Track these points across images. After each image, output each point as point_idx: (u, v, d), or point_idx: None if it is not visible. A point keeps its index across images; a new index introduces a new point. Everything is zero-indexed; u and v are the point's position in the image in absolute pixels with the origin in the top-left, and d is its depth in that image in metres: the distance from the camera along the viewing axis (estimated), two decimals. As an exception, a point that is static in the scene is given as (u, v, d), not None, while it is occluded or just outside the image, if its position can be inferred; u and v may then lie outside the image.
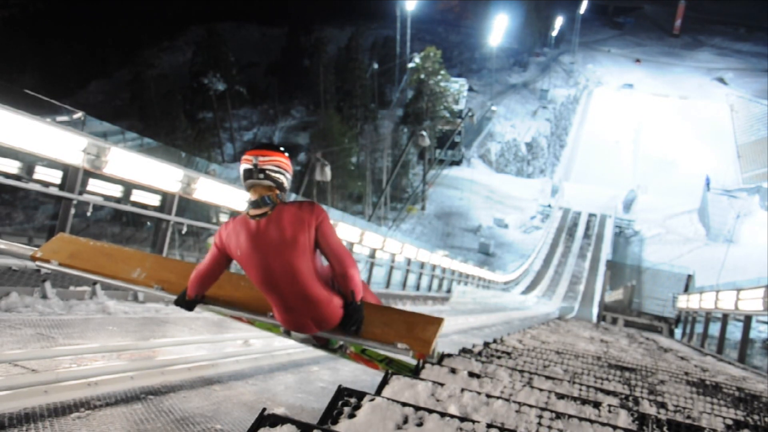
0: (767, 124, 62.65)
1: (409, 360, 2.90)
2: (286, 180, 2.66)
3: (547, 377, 3.61)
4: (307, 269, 2.56)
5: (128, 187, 7.91)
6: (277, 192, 2.63)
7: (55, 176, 5.81)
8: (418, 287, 16.50)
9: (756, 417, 3.64)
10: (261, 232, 2.54)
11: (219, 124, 52.19)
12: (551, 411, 2.36)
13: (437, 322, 2.77)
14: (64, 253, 3.27)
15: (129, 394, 2.56)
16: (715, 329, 17.33)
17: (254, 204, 2.58)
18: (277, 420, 1.77)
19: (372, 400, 2.08)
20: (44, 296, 4.50)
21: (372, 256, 13.01)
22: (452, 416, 2.00)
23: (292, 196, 11.01)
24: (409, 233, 45.12)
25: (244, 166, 2.61)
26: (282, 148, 2.69)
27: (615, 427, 2.24)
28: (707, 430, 2.55)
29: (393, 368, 3.10)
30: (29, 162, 6.30)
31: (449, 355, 3.87)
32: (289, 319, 2.70)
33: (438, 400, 2.42)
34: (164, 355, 3.39)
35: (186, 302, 2.86)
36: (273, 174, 2.59)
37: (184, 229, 7.16)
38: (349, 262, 2.62)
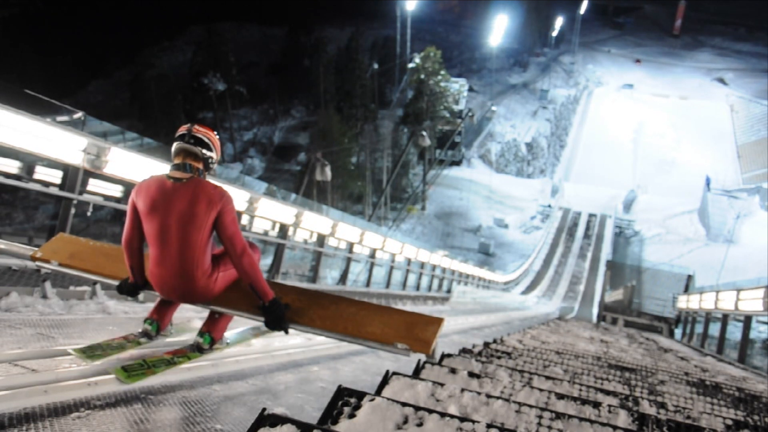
0: (767, 124, 62.63)
1: None
2: (211, 156, 2.89)
3: (547, 377, 3.61)
4: (196, 243, 2.73)
5: (128, 187, 7.91)
6: (201, 165, 2.84)
7: (55, 176, 5.81)
8: (418, 287, 16.50)
9: (756, 417, 3.64)
10: (171, 194, 2.72)
11: (219, 124, 52.18)
12: (551, 411, 2.36)
13: (437, 322, 2.77)
14: (64, 253, 3.27)
15: (129, 394, 2.56)
16: (715, 329, 17.32)
17: (176, 166, 2.79)
18: (277, 420, 1.77)
19: (372, 400, 2.08)
20: (44, 296, 4.49)
21: (372, 256, 13.00)
22: (452, 416, 2.00)
23: (292, 197, 11.03)
24: (409, 233, 45.12)
25: (179, 133, 2.84)
26: (217, 134, 2.95)
27: (615, 427, 2.24)
28: (707, 431, 2.55)
29: None
30: (29, 162, 6.29)
31: (449, 355, 3.87)
32: (158, 273, 2.82)
33: (438, 400, 2.42)
34: (164, 355, 3.39)
35: (128, 287, 2.97)
36: (202, 142, 2.83)
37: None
38: (240, 250, 2.76)
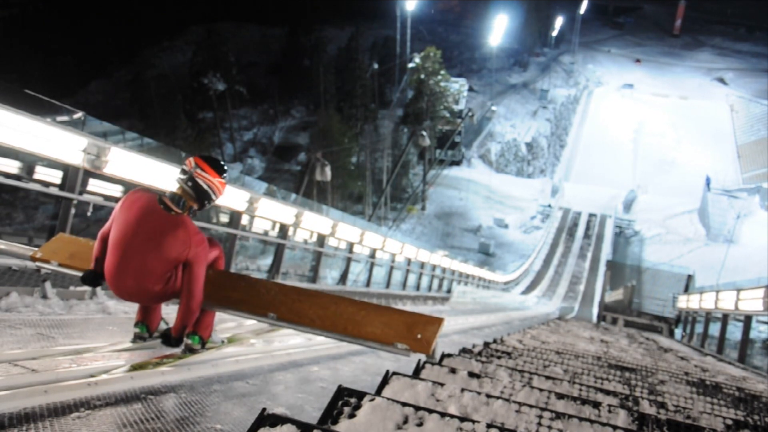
0: (767, 124, 62.63)
1: None
2: (208, 199, 2.89)
3: (547, 377, 3.61)
4: (153, 268, 2.78)
5: (128, 187, 7.89)
6: (193, 204, 2.86)
7: (55, 176, 5.80)
8: (418, 287, 16.49)
9: (756, 417, 3.64)
10: (152, 216, 2.77)
11: (219, 124, 52.13)
12: (551, 411, 2.36)
13: (437, 322, 2.77)
14: (64, 253, 3.27)
15: (129, 394, 2.56)
16: (715, 329, 17.31)
17: (171, 196, 2.83)
18: (277, 420, 1.77)
19: (372, 400, 2.08)
20: (44, 296, 4.49)
21: (372, 256, 13.01)
22: (452, 416, 2.00)
23: (292, 197, 11.03)
24: (409, 233, 45.10)
25: (183, 167, 2.85)
26: (225, 174, 2.91)
27: (615, 427, 2.24)
28: (707, 430, 2.55)
29: None
30: (29, 162, 6.29)
31: (449, 355, 3.87)
32: (113, 283, 2.90)
33: (438, 400, 2.42)
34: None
35: (90, 277, 3.04)
36: (200, 188, 2.83)
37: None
38: (195, 299, 2.86)
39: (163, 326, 3.48)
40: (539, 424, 2.29)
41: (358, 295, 10.56)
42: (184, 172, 2.83)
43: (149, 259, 2.76)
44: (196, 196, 2.84)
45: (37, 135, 4.93)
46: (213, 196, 2.90)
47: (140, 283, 2.82)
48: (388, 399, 2.08)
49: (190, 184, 2.81)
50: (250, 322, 4.30)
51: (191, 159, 2.86)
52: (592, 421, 2.26)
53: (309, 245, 11.35)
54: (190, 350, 3.20)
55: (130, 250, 2.78)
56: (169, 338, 2.94)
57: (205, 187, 2.83)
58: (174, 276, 2.89)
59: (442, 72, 51.95)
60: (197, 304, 2.88)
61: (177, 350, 3.22)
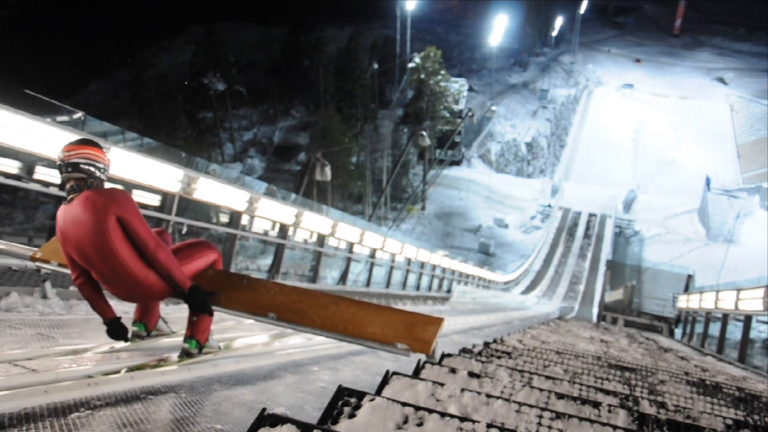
0: (767, 124, 62.62)
1: None
2: (97, 169, 2.81)
3: (547, 377, 3.61)
4: (115, 253, 2.71)
5: (128, 187, 7.89)
6: (89, 180, 2.79)
7: (55, 176, 5.81)
8: (418, 287, 16.50)
9: (756, 417, 3.64)
10: (69, 215, 2.74)
11: (219, 124, 52.14)
12: (551, 411, 2.36)
13: (437, 322, 2.77)
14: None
15: (129, 394, 2.56)
16: (715, 329, 17.31)
17: (69, 190, 2.79)
18: (277, 420, 1.77)
19: (372, 400, 2.08)
20: (44, 296, 4.49)
21: (372, 256, 13.01)
22: (452, 416, 2.00)
23: (292, 197, 11.02)
24: (409, 233, 45.10)
25: (57, 163, 2.80)
26: (93, 142, 2.85)
27: (615, 427, 2.24)
28: (707, 430, 2.55)
29: None
30: (29, 162, 6.29)
31: (449, 355, 3.87)
32: (111, 290, 2.89)
33: (438, 400, 2.42)
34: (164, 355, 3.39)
35: (109, 330, 3.01)
36: (81, 165, 2.76)
37: (185, 229, 7.17)
38: (153, 247, 2.76)
39: (162, 325, 3.48)
40: (539, 424, 2.29)
41: (358, 295, 10.56)
42: (59, 168, 2.78)
43: (102, 247, 2.71)
44: (84, 172, 2.76)
45: (37, 135, 4.93)
46: (97, 162, 2.79)
47: (125, 277, 2.78)
48: (388, 399, 2.08)
49: (70, 169, 2.76)
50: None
51: (57, 156, 2.80)
52: (592, 421, 2.26)
53: (309, 245, 11.35)
54: (187, 354, 3.19)
55: (96, 263, 2.75)
56: (186, 296, 2.90)
57: (82, 160, 2.76)
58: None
59: (442, 72, 51.96)
60: (156, 246, 2.76)
61: (174, 355, 3.21)
